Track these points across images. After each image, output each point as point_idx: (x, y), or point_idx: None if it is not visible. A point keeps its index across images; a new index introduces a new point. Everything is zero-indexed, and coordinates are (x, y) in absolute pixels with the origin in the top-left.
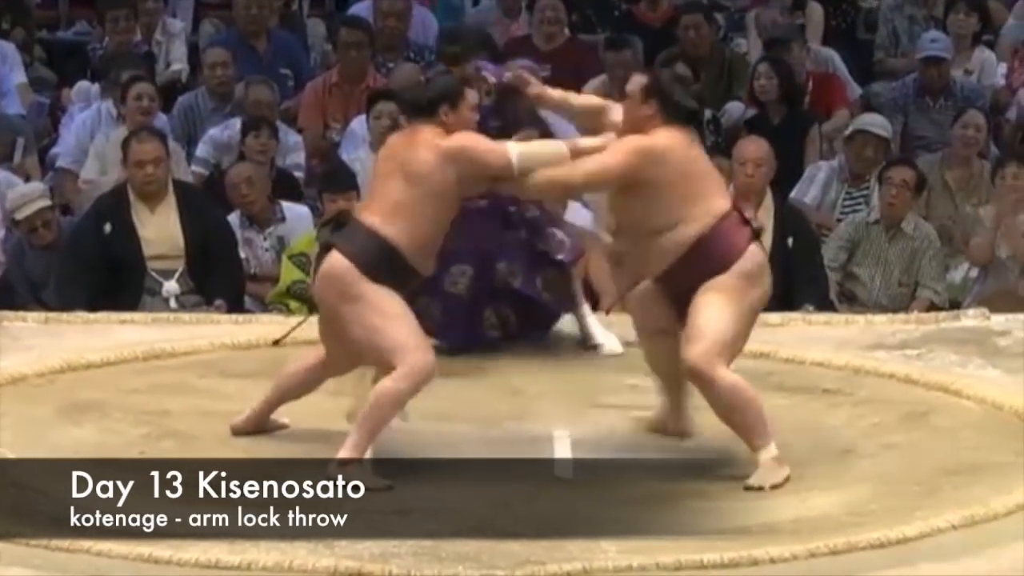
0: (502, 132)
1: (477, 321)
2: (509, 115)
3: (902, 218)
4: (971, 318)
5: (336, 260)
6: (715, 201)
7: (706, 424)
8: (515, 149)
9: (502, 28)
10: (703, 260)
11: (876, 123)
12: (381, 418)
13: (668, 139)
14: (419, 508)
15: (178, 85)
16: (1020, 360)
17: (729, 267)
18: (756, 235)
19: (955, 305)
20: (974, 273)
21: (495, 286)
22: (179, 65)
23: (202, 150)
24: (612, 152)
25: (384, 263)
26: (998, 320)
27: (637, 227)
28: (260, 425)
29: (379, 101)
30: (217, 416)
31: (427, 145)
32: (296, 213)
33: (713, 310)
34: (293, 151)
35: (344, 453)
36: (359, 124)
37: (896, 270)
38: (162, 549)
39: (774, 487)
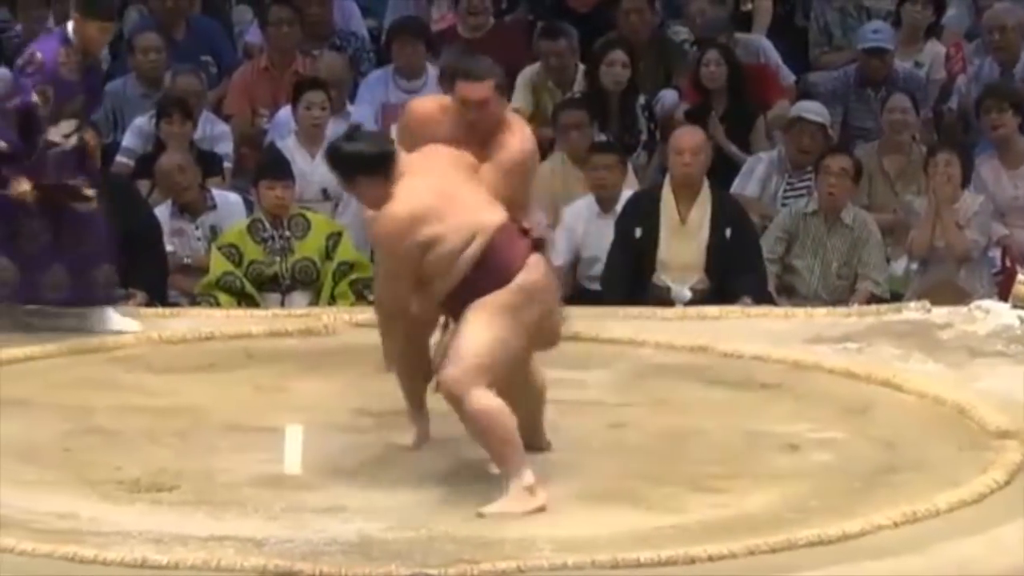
0: None
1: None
2: None
3: (841, 208)
4: (912, 311)
5: None
6: (484, 216)
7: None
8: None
9: (425, 16)
10: (481, 279)
11: (812, 110)
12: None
13: (407, 198)
14: (352, 507)
15: None
16: (961, 354)
17: (508, 282)
18: (536, 246)
19: (896, 297)
20: (916, 265)
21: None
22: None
23: (129, 140)
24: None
25: None
26: (939, 313)
27: None
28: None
29: (306, 91)
30: (142, 412)
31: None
32: (227, 200)
33: (475, 329)
34: (220, 139)
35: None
36: (286, 113)
37: (835, 262)
38: (87, 549)
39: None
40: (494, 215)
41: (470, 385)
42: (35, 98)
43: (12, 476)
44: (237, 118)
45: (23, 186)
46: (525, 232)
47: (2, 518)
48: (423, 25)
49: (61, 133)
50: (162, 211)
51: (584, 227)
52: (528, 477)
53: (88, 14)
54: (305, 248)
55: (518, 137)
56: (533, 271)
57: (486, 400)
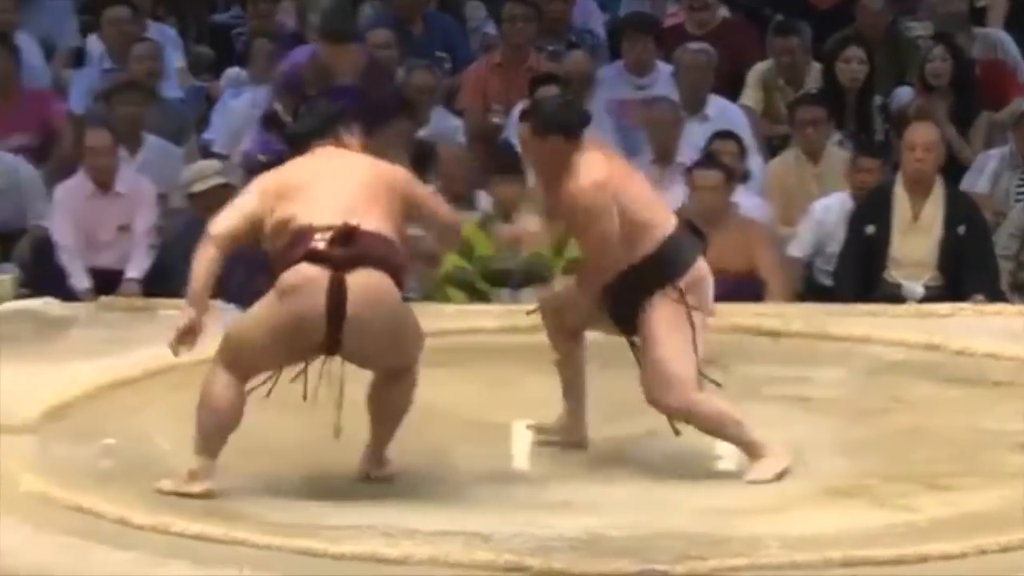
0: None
1: None
2: None
3: None
4: None
5: None
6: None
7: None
8: None
9: (659, 13)
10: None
11: None
12: None
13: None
14: (579, 502)
15: None
16: None
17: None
18: (309, 256)
19: None
20: None
21: None
22: None
23: None
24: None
25: None
26: None
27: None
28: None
29: (543, 85)
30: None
31: None
32: None
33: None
34: (453, 135)
35: None
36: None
37: None
38: (318, 542)
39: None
40: (307, 216)
41: (213, 370)
42: (275, 106)
43: (245, 470)
44: (470, 113)
45: None
46: (313, 236)
47: (236, 511)
48: (653, 21)
49: None
50: None
51: (835, 223)
52: (196, 463)
53: (319, 32)
54: None
55: (573, 183)
56: (287, 277)
57: (213, 386)
